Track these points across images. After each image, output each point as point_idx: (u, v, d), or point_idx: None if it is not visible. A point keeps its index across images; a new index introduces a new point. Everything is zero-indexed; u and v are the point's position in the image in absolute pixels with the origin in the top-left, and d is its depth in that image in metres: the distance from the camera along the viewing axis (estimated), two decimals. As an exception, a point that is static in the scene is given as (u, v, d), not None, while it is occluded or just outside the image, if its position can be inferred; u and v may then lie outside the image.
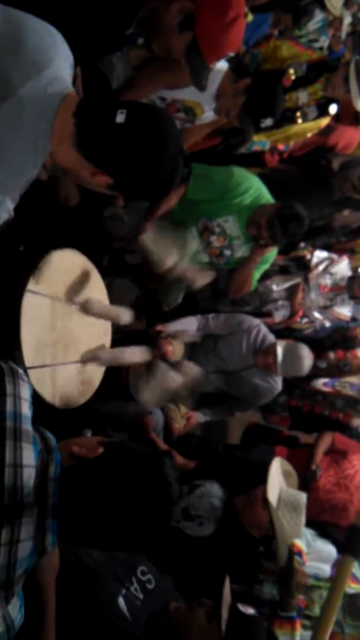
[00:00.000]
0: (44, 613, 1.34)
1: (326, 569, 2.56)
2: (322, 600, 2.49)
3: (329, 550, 2.64)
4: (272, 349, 2.80)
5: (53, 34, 1.23)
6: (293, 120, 2.85)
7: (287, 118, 2.81)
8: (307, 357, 2.81)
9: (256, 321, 2.96)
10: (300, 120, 2.80)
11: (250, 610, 1.59)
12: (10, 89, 1.11)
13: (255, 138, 2.87)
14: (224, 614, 1.50)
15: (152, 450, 1.11)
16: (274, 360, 2.76)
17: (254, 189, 2.62)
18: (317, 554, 2.55)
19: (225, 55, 1.84)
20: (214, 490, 2.20)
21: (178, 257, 2.39)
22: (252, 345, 2.90)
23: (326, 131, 3.20)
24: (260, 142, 2.91)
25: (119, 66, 2.02)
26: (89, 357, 1.97)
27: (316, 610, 2.48)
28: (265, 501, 2.18)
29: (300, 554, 2.44)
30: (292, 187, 2.87)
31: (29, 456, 1.00)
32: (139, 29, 1.84)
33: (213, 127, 2.58)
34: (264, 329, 2.93)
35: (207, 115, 2.35)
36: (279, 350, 2.76)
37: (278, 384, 2.94)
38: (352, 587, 2.52)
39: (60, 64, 1.20)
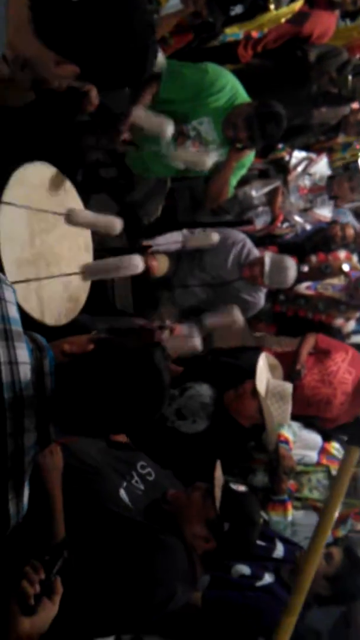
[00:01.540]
0: (53, 508, 1.45)
1: (313, 455, 2.77)
2: (310, 484, 2.71)
3: (314, 438, 2.83)
4: (259, 260, 2.82)
5: None
6: (266, 9, 2.65)
7: (259, 7, 2.61)
8: (292, 267, 2.85)
9: (241, 235, 2.96)
10: (272, 7, 2.61)
11: (241, 488, 1.73)
12: None
13: (228, 30, 2.68)
14: (218, 493, 1.62)
15: (143, 343, 1.14)
16: (260, 272, 2.79)
17: (230, 86, 2.49)
18: (303, 442, 2.74)
19: None
20: (204, 390, 2.32)
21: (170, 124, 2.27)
22: (237, 259, 2.91)
23: (300, 19, 2.98)
24: (233, 34, 2.73)
25: None
26: (79, 270, 1.94)
27: (305, 493, 2.71)
28: (254, 392, 2.30)
29: (286, 442, 2.61)
30: (268, 82, 2.74)
31: (23, 354, 1.02)
32: None
33: (179, 17, 2.41)
34: (249, 243, 2.94)
35: (172, 3, 2.19)
36: (267, 261, 2.78)
37: (262, 298, 2.98)
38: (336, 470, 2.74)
39: None
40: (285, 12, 2.75)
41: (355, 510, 2.86)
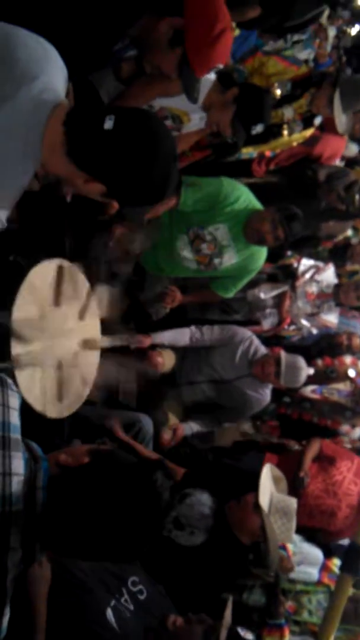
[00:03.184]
0: (35, 624, 1.34)
1: (313, 573, 2.60)
2: (310, 605, 2.52)
3: (316, 553, 2.67)
4: (273, 359, 2.85)
5: (45, 46, 1.24)
6: (280, 135, 2.91)
7: (273, 133, 2.86)
8: (304, 368, 2.89)
9: (248, 333, 3.02)
10: (286, 133, 2.86)
11: (249, 636, 1.58)
12: (3, 98, 1.12)
13: (244, 150, 2.91)
14: (223, 634, 1.49)
15: (142, 460, 1.11)
16: (277, 370, 2.81)
17: (244, 197, 2.66)
18: (304, 557, 2.58)
19: (215, 67, 1.89)
20: (204, 499, 2.21)
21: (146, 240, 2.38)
22: (245, 356, 2.95)
23: (312, 141, 3.25)
24: (248, 153, 2.96)
25: (108, 81, 2.05)
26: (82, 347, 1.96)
27: (305, 616, 2.51)
28: (256, 507, 2.19)
29: (284, 547, 2.46)
30: (279, 197, 2.91)
31: (18, 464, 1.01)
32: (131, 46, 1.88)
33: (200, 136, 2.63)
34: (256, 341, 2.99)
35: (194, 123, 2.39)
36: (283, 361, 2.81)
37: (268, 395, 2.99)
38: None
39: (52, 75, 1.21)
40: (297, 138, 3.00)
41: (358, 638, 2.64)
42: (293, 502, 2.32)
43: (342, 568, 2.43)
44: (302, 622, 2.50)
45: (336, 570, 2.65)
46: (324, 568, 2.68)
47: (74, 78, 1.31)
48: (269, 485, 2.34)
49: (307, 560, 2.62)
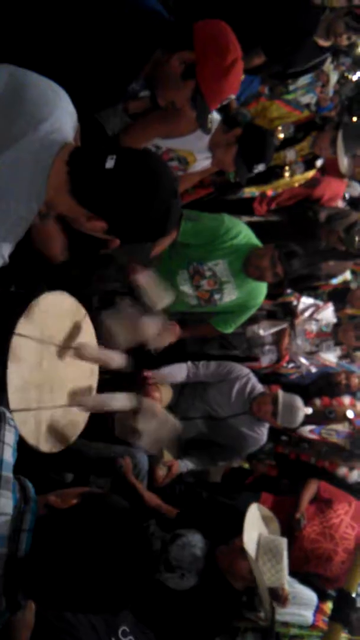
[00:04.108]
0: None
1: (308, 616, 2.50)
2: None
3: (310, 595, 2.58)
4: (270, 397, 2.82)
5: (54, 89, 1.28)
6: (281, 176, 2.97)
7: (275, 174, 2.92)
8: (302, 408, 2.85)
9: (245, 370, 3.00)
10: (287, 175, 2.92)
11: None
12: (9, 139, 1.15)
13: (246, 190, 2.97)
14: None
15: (137, 506, 1.06)
16: (274, 410, 2.78)
17: (244, 234, 2.69)
18: (298, 599, 2.48)
19: (227, 97, 1.93)
20: (195, 540, 2.14)
21: (169, 300, 2.40)
22: (241, 393, 2.92)
23: (313, 183, 3.32)
24: (250, 192, 3.02)
25: (114, 117, 2.11)
26: (74, 403, 1.95)
27: None
28: (243, 550, 2.12)
29: None
30: (280, 235, 2.95)
31: (6, 504, 0.98)
32: (144, 84, 1.93)
33: (203, 175, 2.68)
34: (253, 378, 2.97)
35: (199, 163, 2.44)
36: (280, 400, 2.78)
37: (264, 434, 2.95)
38: None
39: (61, 117, 1.25)
40: (298, 179, 3.06)
41: None
42: (282, 541, 2.21)
43: (331, 617, 2.34)
44: None
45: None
46: (319, 611, 2.58)
47: (81, 116, 1.35)
48: (257, 526, 2.25)
49: (300, 601, 2.52)
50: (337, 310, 3.46)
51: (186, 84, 1.81)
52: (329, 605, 2.61)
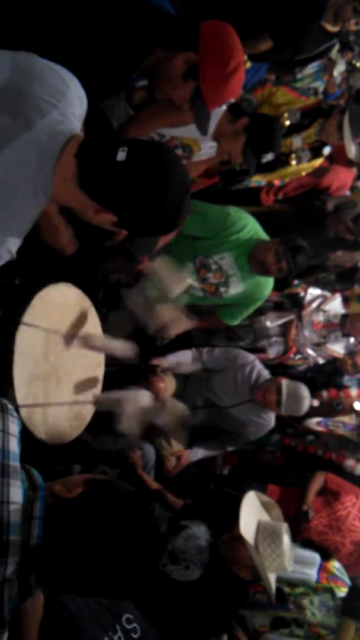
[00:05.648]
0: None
1: (312, 574, 2.49)
2: (312, 607, 2.42)
3: (312, 555, 2.57)
4: (275, 387, 2.80)
5: (64, 77, 1.24)
6: (287, 164, 2.92)
7: (281, 162, 2.87)
8: (307, 397, 2.83)
9: (251, 357, 2.97)
10: (294, 163, 2.88)
11: None
12: (16, 130, 1.13)
13: (252, 178, 2.93)
14: None
15: (140, 490, 1.08)
16: (278, 399, 2.76)
17: (250, 227, 2.66)
18: (300, 558, 2.47)
19: (227, 101, 1.91)
20: (200, 532, 2.12)
21: (186, 284, 2.36)
22: (246, 380, 2.90)
23: (320, 172, 3.27)
24: (256, 181, 2.98)
25: (119, 107, 2.08)
26: (85, 401, 1.95)
27: (308, 617, 2.41)
28: (242, 537, 2.10)
29: None
30: (287, 226, 2.92)
31: (16, 493, 0.98)
32: (143, 75, 1.90)
33: (208, 164, 2.64)
34: (259, 365, 2.94)
35: (204, 151, 2.41)
36: (284, 390, 2.76)
37: (272, 419, 2.92)
38: (341, 590, 2.46)
39: (69, 106, 1.22)
40: (305, 167, 3.02)
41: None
42: (282, 526, 2.17)
43: (343, 611, 2.34)
44: (305, 625, 2.39)
45: (335, 571, 2.56)
46: (322, 569, 2.57)
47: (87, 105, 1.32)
48: (256, 512, 2.21)
49: (303, 560, 2.51)
50: (346, 290, 3.42)
51: (186, 84, 1.79)
52: (332, 564, 2.60)
